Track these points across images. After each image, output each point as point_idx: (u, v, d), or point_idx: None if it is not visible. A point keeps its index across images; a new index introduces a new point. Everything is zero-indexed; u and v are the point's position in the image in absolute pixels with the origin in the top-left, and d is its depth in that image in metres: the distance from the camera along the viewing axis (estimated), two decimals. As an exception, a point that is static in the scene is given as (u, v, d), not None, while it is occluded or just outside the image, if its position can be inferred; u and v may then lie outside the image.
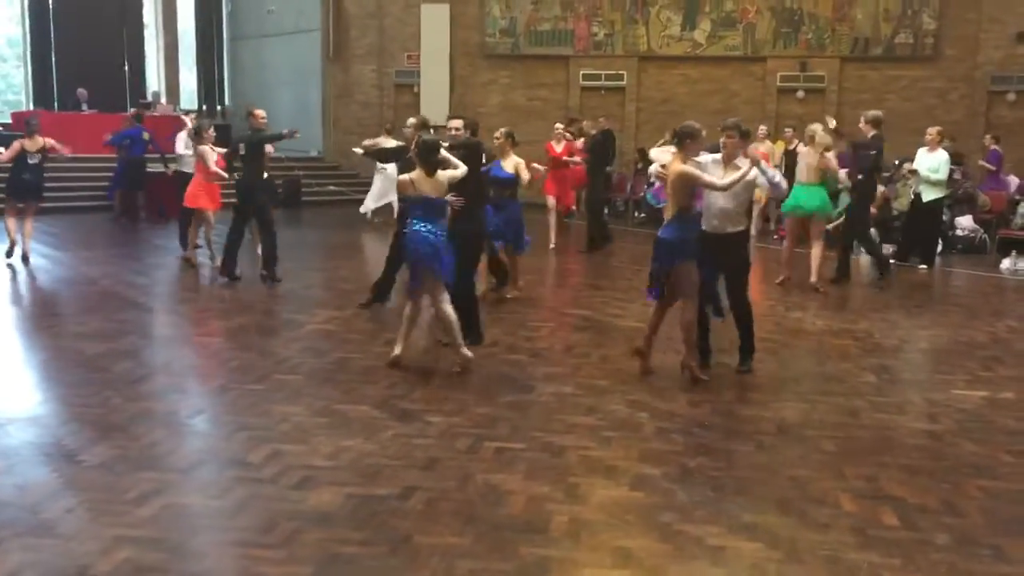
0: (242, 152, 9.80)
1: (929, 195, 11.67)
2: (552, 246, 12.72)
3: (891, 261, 11.70)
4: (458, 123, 7.57)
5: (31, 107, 19.50)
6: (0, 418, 5.34)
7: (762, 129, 15.18)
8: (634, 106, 19.71)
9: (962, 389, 6.40)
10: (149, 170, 15.67)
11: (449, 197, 6.59)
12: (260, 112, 9.86)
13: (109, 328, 7.65)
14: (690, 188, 6.07)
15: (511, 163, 8.59)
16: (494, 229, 8.51)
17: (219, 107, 22.70)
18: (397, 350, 6.57)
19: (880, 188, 13.61)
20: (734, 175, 6.09)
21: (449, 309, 6.41)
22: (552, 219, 12.99)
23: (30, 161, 10.70)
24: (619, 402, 5.84)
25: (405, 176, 6.42)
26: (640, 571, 3.69)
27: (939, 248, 12.86)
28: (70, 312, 8.66)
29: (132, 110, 15.94)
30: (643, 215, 17.01)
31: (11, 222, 10.96)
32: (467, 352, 6.49)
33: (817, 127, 10.01)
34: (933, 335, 8.19)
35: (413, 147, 6.87)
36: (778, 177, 6.33)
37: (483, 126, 9.09)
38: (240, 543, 3.81)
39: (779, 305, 9.23)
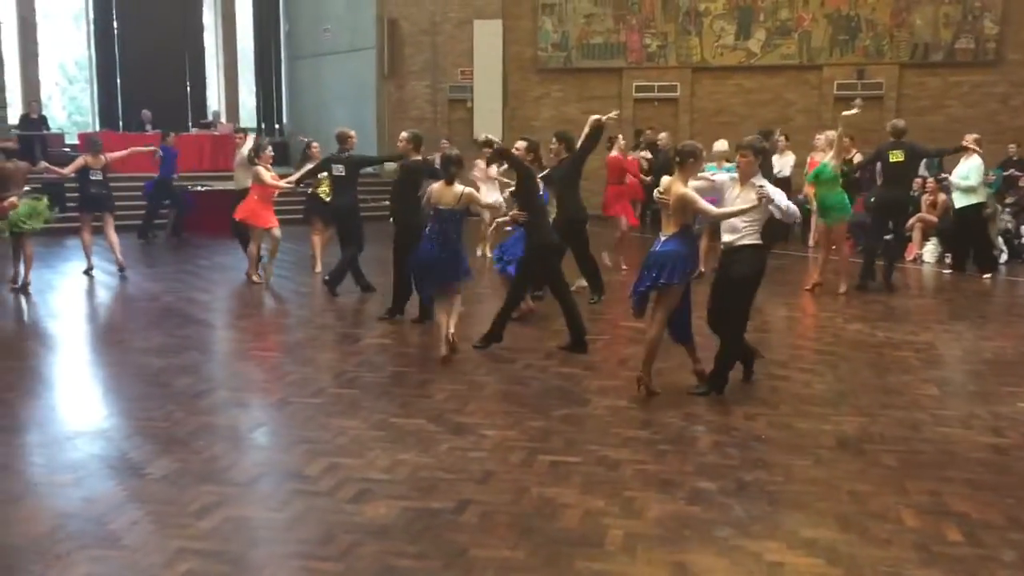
0: (342, 174, 9.90)
1: (961, 202, 11.51)
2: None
3: (949, 272, 11.40)
4: (521, 144, 8.08)
5: (97, 128, 20.06)
6: (68, 431, 5.51)
7: (818, 139, 14.93)
8: (687, 117, 19.56)
9: (1029, 402, 6.24)
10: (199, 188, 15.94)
11: (514, 212, 7.65)
12: (353, 133, 10.16)
13: (171, 343, 7.84)
14: (691, 210, 6.05)
15: None
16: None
17: (277, 126, 23.11)
18: (443, 350, 7.07)
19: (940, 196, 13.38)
20: (730, 208, 6.04)
21: (442, 317, 7.09)
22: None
23: (92, 177, 11.31)
24: (674, 415, 5.80)
25: (431, 187, 7.21)
26: (696, 586, 3.67)
27: (1004, 257, 12.55)
28: (134, 328, 8.88)
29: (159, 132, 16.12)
30: (698, 226, 16.75)
31: (87, 237, 11.41)
32: (444, 349, 7.06)
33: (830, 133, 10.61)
34: (998, 347, 7.97)
35: (441, 159, 7.47)
36: (792, 207, 6.15)
37: (539, 140, 9.01)
38: (299, 555, 3.88)
39: (838, 317, 9.09)
